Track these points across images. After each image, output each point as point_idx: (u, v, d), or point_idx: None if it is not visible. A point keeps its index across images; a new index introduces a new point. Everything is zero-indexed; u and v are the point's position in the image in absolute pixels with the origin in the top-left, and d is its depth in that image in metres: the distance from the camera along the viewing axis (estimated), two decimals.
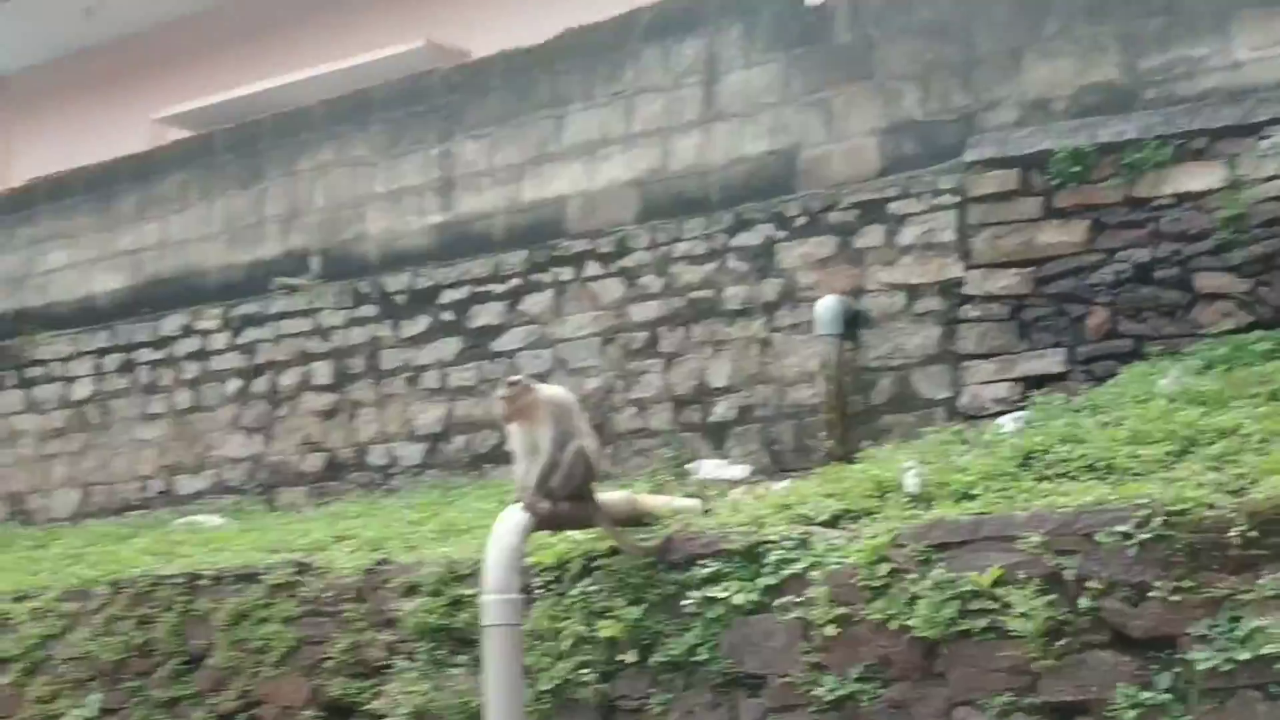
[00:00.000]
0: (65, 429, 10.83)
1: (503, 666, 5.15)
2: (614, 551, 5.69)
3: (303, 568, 6.79)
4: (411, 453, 9.13)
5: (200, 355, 10.22)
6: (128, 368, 10.58)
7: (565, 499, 5.45)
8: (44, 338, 11.11)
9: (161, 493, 10.15)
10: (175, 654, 6.95)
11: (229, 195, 10.44)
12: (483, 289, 9.04)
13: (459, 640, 6.02)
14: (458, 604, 6.07)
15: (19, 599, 7.92)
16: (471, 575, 6.09)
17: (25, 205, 11.62)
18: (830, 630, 5.05)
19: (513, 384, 5.54)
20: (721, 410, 8.06)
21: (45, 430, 10.93)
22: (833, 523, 5.48)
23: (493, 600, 5.22)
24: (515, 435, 5.57)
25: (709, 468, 7.58)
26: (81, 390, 10.81)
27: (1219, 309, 6.71)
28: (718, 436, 8.03)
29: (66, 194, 11.36)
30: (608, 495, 5.77)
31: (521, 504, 5.41)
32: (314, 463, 9.54)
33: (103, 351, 10.76)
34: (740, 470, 7.56)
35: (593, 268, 8.66)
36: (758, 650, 5.22)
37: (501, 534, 5.32)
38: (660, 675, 5.41)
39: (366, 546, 7.00)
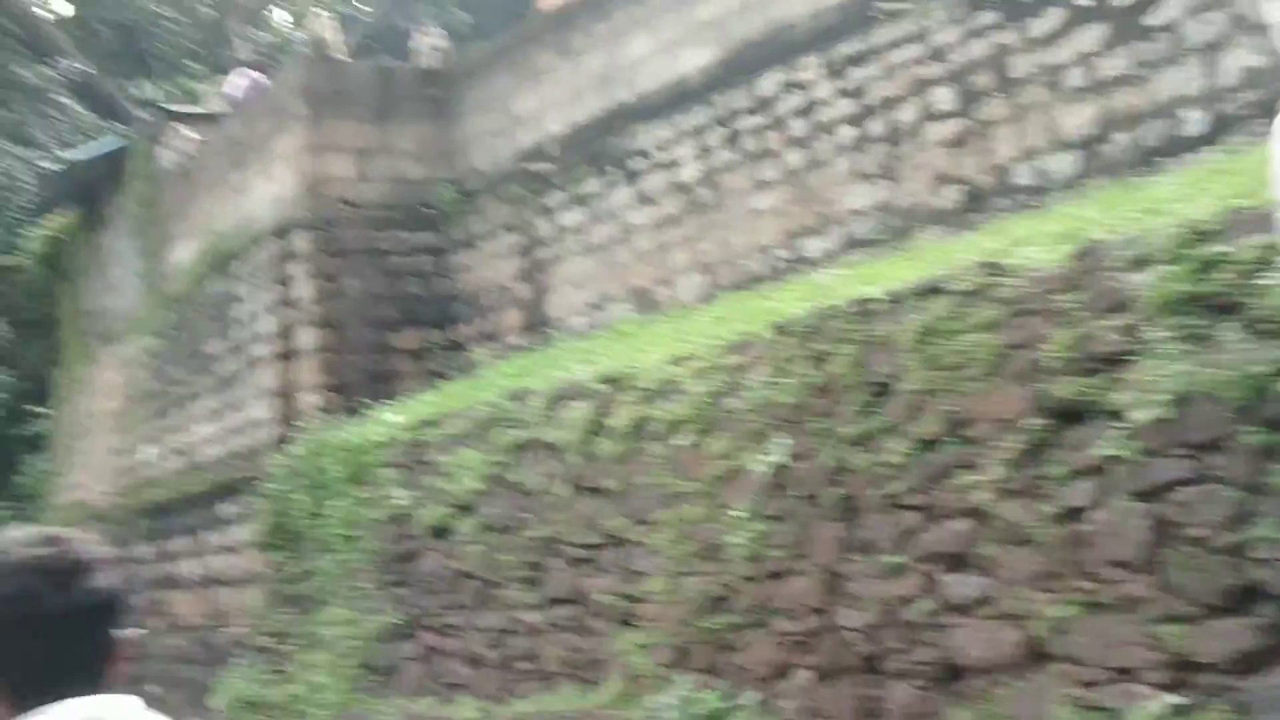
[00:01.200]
0: (678, 214, 10.54)
1: None
2: None
3: (993, 268, 5.93)
4: (1062, 164, 8.02)
5: (805, 110, 9.55)
6: (731, 140, 10.10)
7: None
8: (641, 128, 10.85)
9: (787, 260, 9.63)
10: (858, 387, 6.34)
11: None
12: None
13: (1216, 308, 4.96)
14: (1209, 266, 4.99)
15: (677, 362, 7.64)
16: (1222, 231, 5.01)
17: (599, 3, 11.35)
18: None
19: None
20: None
21: (659, 219, 10.70)
22: None
23: None
24: None
25: None
26: (688, 172, 10.46)
27: None
28: None
29: None
30: None
31: None
32: (949, 197, 8.65)
33: (702, 129, 10.33)
34: None
35: None
36: None
37: None
38: None
39: (1056, 240, 6.04)
